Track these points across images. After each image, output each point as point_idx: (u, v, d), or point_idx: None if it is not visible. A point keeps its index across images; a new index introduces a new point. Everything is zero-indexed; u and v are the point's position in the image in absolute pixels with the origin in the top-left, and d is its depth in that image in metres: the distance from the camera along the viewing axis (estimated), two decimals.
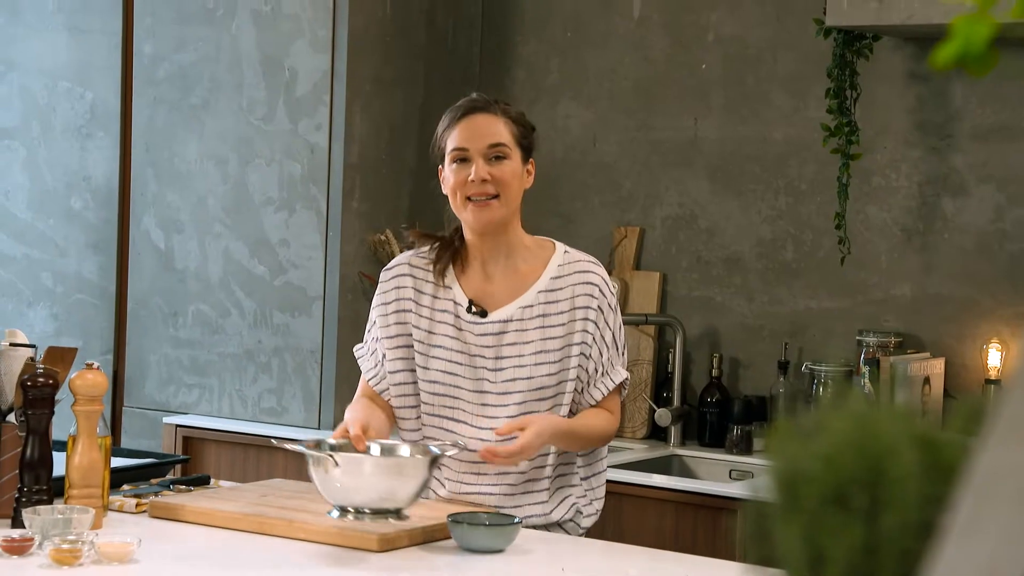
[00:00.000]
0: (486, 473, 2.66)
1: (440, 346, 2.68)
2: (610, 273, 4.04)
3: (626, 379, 2.70)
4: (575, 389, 2.65)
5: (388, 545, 2.43)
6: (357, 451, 2.48)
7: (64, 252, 4.36)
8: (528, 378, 2.64)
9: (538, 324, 2.65)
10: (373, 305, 2.75)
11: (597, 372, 2.66)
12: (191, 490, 2.83)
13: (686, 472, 3.80)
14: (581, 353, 2.64)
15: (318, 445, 2.47)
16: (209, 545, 2.49)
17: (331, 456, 2.38)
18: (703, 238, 4.01)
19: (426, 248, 2.74)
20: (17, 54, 4.42)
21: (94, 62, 4.31)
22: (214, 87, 4.08)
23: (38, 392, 2.56)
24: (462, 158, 2.62)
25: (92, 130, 4.32)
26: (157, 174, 4.18)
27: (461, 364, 2.67)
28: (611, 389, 2.67)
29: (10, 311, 4.39)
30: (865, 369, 3.63)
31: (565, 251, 2.72)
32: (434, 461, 2.46)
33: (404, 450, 2.56)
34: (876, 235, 3.79)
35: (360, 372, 2.80)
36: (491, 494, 2.67)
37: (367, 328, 2.78)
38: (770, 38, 3.93)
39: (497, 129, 2.63)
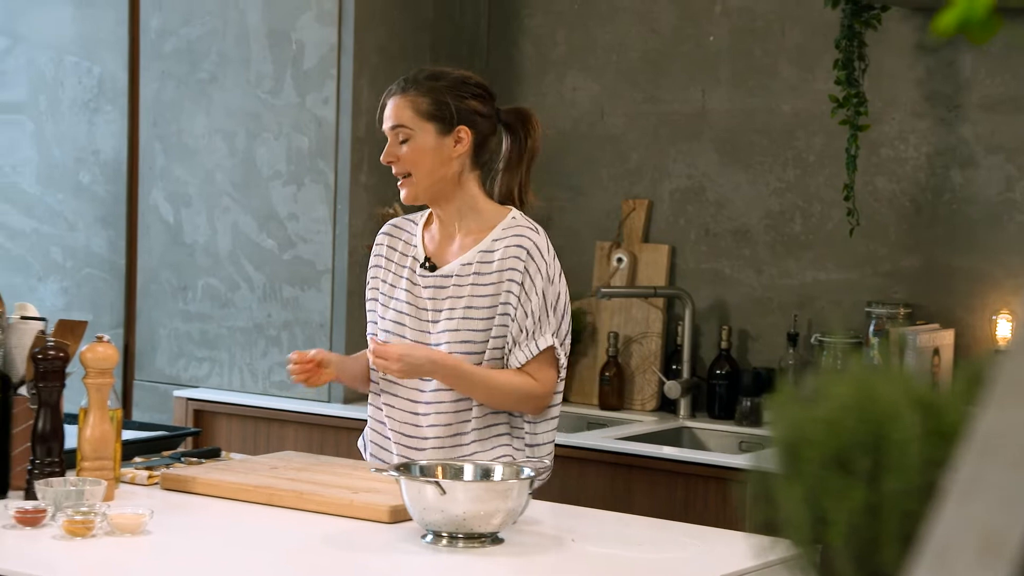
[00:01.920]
0: (420, 425, 2.80)
1: (394, 298, 2.86)
2: (618, 246, 4.04)
3: (554, 348, 2.75)
4: (502, 350, 2.76)
5: (398, 517, 2.44)
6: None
7: (73, 226, 4.37)
8: (455, 330, 2.76)
9: (472, 281, 2.79)
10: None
11: (521, 335, 2.73)
12: (202, 462, 2.84)
13: (696, 444, 3.81)
14: (505, 313, 2.75)
15: (407, 468, 2.39)
16: (220, 517, 2.50)
17: (438, 483, 2.26)
18: (711, 210, 4.00)
19: (423, 212, 2.93)
20: (23, 27, 4.42)
21: (101, 36, 4.31)
22: (221, 61, 4.08)
23: (48, 365, 2.58)
24: (386, 140, 2.83)
25: (100, 104, 4.32)
26: (165, 148, 4.18)
27: (409, 315, 2.83)
28: (532, 355, 2.73)
29: (20, 285, 4.40)
30: (874, 340, 3.63)
31: (513, 216, 2.82)
32: (532, 483, 2.36)
33: (499, 472, 2.43)
34: (885, 206, 3.79)
35: None
36: (426, 438, 2.79)
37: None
38: (778, 9, 3.92)
39: (398, 112, 2.79)
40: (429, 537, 2.33)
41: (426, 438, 2.79)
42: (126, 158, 4.27)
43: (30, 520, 2.38)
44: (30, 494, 2.52)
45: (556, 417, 2.86)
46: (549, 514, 2.55)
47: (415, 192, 2.81)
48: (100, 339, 2.65)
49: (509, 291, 2.74)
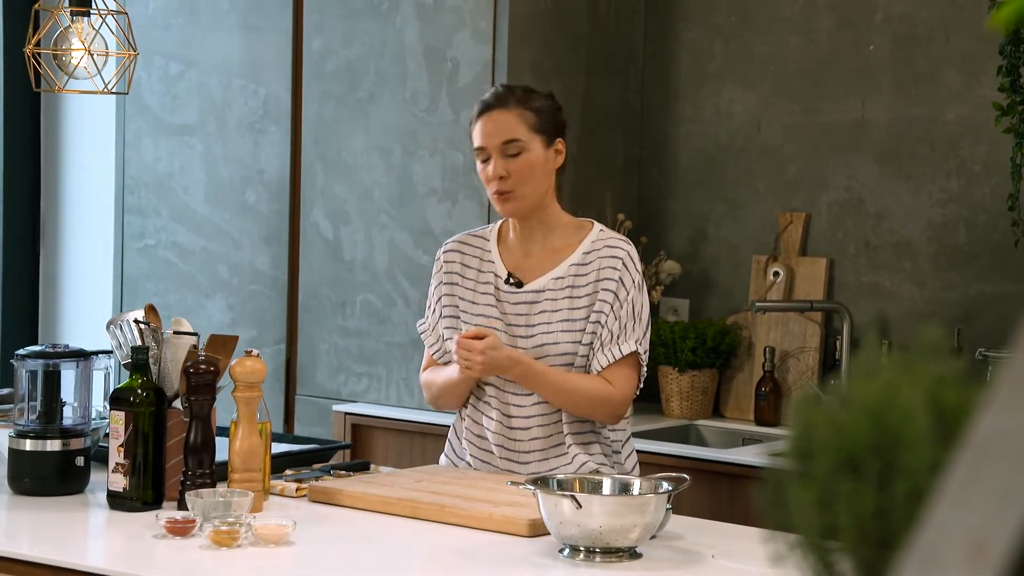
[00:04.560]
0: (520, 440, 2.81)
1: (480, 315, 2.85)
2: (775, 259, 3.98)
3: (638, 354, 2.77)
4: (587, 357, 2.79)
5: (537, 531, 2.44)
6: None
7: (239, 244, 4.47)
8: (555, 343, 2.79)
9: (567, 295, 2.81)
10: (432, 284, 2.97)
11: (608, 340, 2.76)
12: (350, 475, 2.88)
13: None
14: (596, 321, 2.77)
15: (544, 482, 2.39)
16: (363, 528, 2.54)
17: (574, 497, 2.26)
18: (871, 222, 3.91)
19: (487, 228, 2.96)
20: (195, 53, 4.55)
21: (266, 59, 4.42)
22: (379, 80, 4.15)
23: (200, 379, 2.64)
24: (483, 158, 2.82)
25: (264, 125, 4.42)
26: (325, 167, 4.26)
27: (498, 331, 2.81)
28: (615, 359, 2.75)
29: (190, 302, 4.53)
30: None
31: (600, 230, 2.87)
32: (671, 497, 2.35)
33: (637, 485, 2.42)
34: None
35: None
36: (529, 451, 2.81)
37: (428, 304, 2.98)
38: (941, 16, 3.82)
39: (510, 125, 2.79)
40: (566, 551, 2.32)
41: (529, 451, 2.81)
42: (288, 177, 4.36)
43: (179, 530, 2.45)
44: (182, 505, 2.59)
45: (627, 428, 2.89)
46: (691, 529, 2.52)
47: (522, 207, 2.83)
48: (249, 353, 2.70)
49: (603, 300, 2.78)
